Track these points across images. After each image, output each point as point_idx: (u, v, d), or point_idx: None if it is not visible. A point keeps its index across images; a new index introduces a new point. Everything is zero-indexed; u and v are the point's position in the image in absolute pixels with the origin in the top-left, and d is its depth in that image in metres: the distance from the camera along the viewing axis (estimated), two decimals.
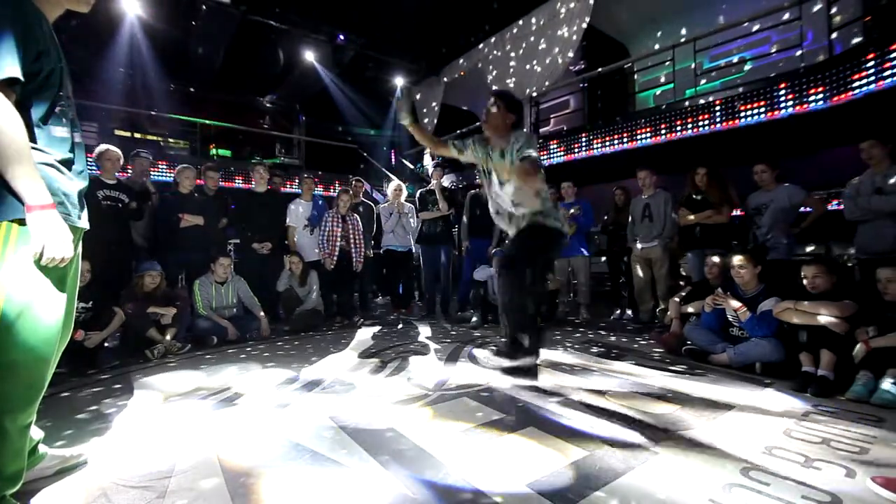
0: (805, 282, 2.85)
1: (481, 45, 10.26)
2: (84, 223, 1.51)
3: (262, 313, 4.33)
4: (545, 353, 3.46)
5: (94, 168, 4.18)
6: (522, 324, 2.57)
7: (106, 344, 3.63)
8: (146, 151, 5.05)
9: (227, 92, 11.65)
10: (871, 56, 4.51)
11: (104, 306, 3.46)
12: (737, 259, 3.15)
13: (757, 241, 3.95)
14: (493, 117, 2.70)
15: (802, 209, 4.02)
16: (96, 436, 1.95)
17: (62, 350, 1.52)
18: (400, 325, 4.90)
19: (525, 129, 2.58)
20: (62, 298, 1.41)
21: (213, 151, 11.20)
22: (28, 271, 1.31)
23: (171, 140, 11.03)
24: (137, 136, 10.04)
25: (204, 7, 8.54)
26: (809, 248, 5.53)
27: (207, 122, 10.99)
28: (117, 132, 9.20)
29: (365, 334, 4.38)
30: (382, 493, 1.45)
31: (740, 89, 5.70)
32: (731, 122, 5.67)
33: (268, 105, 12.89)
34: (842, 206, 3.61)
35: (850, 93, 4.68)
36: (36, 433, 1.54)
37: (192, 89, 11.14)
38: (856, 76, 4.63)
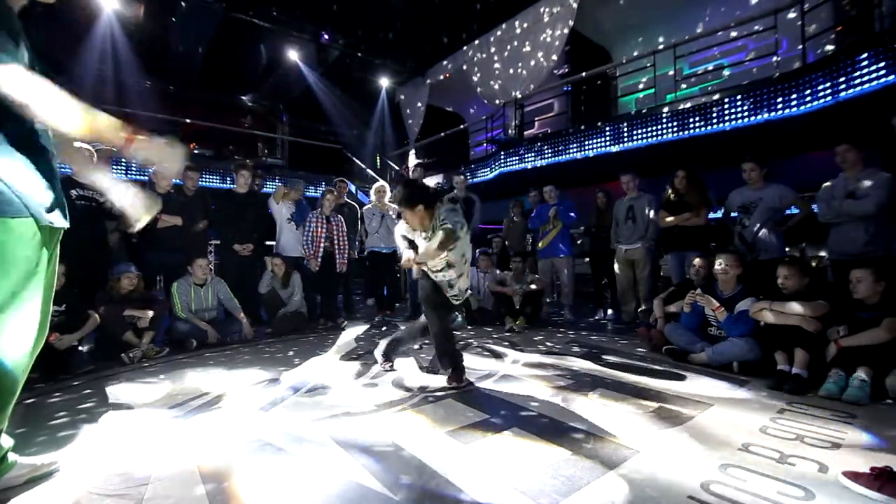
0: (779, 281, 2.94)
1: (466, 48, 10.31)
2: (61, 222, 1.47)
3: (242, 315, 4.26)
4: (529, 354, 3.50)
5: (66, 167, 4.05)
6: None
7: (81, 348, 3.52)
8: (101, 144, 4.82)
9: (208, 90, 11.44)
10: (841, 64, 4.68)
11: (78, 310, 3.36)
12: (724, 259, 3.22)
13: (744, 240, 3.93)
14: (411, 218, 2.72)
15: (788, 210, 4.08)
16: (70, 443, 1.89)
17: (36, 354, 1.47)
18: (384, 328, 4.88)
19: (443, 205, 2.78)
20: (38, 305, 1.37)
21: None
22: (3, 274, 1.27)
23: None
24: None
25: (183, 3, 8.38)
26: (786, 249, 5.69)
27: (188, 120, 10.78)
28: None
29: (349, 336, 4.34)
30: (366, 497, 1.44)
31: (715, 96, 5.86)
32: (709, 126, 5.83)
33: (250, 104, 12.70)
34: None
35: (822, 99, 4.85)
36: (6, 441, 1.48)
37: (171, 87, 10.91)
38: (828, 83, 4.80)
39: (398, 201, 2.75)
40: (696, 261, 3.62)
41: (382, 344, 3.14)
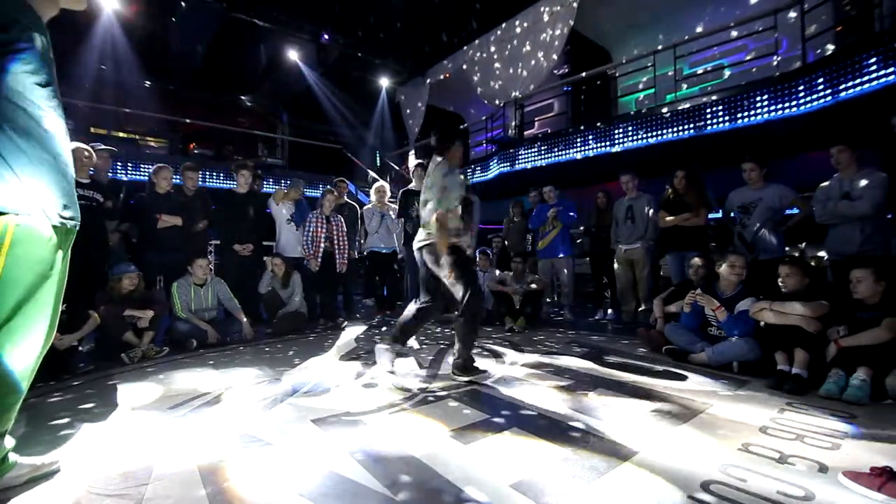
0: (779, 280, 2.95)
1: (466, 48, 10.32)
2: (74, 224, 1.48)
3: (243, 316, 4.26)
4: (529, 354, 3.50)
5: None
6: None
7: (80, 348, 3.52)
8: (102, 145, 4.76)
9: (208, 90, 11.45)
10: (841, 64, 4.68)
11: (78, 310, 3.35)
12: (735, 260, 3.20)
13: (744, 240, 3.92)
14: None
15: (788, 210, 4.08)
16: (70, 443, 1.89)
17: (43, 355, 1.47)
18: (384, 328, 4.88)
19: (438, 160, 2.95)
20: (49, 307, 1.37)
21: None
22: (16, 278, 1.27)
23: (149, 138, 10.78)
24: (114, 133, 9.78)
25: (183, 3, 8.39)
26: (786, 249, 5.69)
27: (188, 120, 10.79)
28: (93, 129, 8.93)
29: (349, 336, 4.34)
30: (365, 496, 1.44)
31: (713, 97, 5.86)
32: (709, 126, 5.83)
33: (250, 104, 12.71)
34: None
35: (822, 99, 4.85)
36: (7, 441, 1.48)
37: (171, 87, 10.92)
38: (828, 83, 4.80)
39: (448, 140, 2.90)
40: (695, 260, 3.62)
41: (385, 342, 3.02)
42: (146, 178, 5.40)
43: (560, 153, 7.64)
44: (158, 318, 3.74)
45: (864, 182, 3.25)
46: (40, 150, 1.36)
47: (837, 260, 3.45)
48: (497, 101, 9.53)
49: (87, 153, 3.94)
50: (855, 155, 3.34)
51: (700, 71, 7.44)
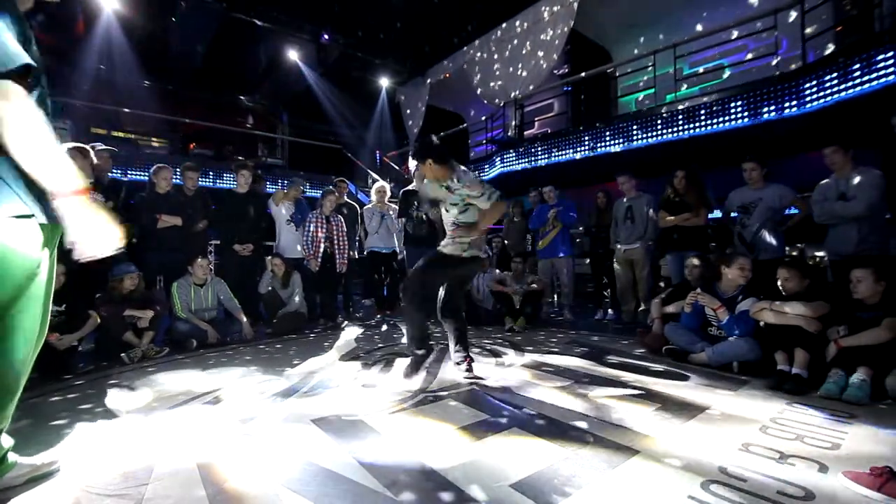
0: (779, 283, 2.94)
1: (466, 48, 10.31)
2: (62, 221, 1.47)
3: (243, 316, 4.26)
4: (529, 354, 3.50)
5: None
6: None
7: (80, 348, 3.52)
8: (103, 145, 4.76)
9: (208, 90, 11.45)
10: (841, 64, 4.68)
11: (78, 310, 3.36)
12: (744, 262, 3.19)
13: (743, 240, 3.91)
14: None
15: (788, 210, 4.06)
16: (70, 443, 1.89)
17: (37, 354, 1.47)
18: (384, 327, 4.88)
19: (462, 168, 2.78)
20: (39, 305, 1.37)
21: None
22: (3, 279, 1.27)
23: (150, 138, 10.78)
24: (114, 133, 9.77)
25: (184, 3, 8.39)
26: (786, 249, 5.69)
27: (188, 120, 10.78)
28: (93, 130, 8.92)
29: (349, 336, 4.34)
30: (365, 496, 1.44)
31: (714, 96, 5.86)
32: (709, 126, 5.83)
33: (250, 104, 12.70)
34: None
35: (823, 99, 4.85)
36: (6, 441, 1.48)
37: (171, 87, 10.92)
38: (827, 83, 4.80)
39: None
40: (691, 261, 3.61)
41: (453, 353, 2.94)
42: (146, 178, 5.40)
43: (560, 153, 7.64)
44: (158, 318, 3.74)
45: (859, 182, 3.25)
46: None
47: (837, 260, 3.45)
48: (497, 101, 9.53)
49: (85, 151, 3.94)
50: (849, 155, 3.33)
51: (700, 71, 7.44)
